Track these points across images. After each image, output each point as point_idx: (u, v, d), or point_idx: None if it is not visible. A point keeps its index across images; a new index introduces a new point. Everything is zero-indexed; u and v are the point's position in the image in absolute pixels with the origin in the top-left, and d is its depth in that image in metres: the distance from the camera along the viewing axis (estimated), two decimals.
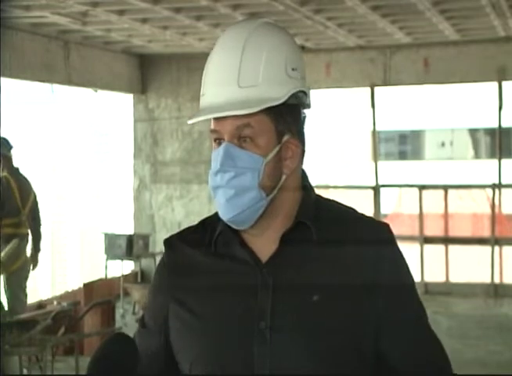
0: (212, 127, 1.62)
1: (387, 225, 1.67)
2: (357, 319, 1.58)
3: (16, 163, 7.67)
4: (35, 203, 7.77)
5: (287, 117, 1.61)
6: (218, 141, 1.62)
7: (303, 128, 1.66)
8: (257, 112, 1.57)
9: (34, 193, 7.80)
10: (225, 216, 1.61)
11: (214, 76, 1.62)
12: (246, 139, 1.59)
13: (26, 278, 7.67)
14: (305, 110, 1.67)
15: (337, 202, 1.72)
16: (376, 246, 1.63)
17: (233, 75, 1.59)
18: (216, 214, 1.69)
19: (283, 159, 1.62)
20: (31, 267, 7.73)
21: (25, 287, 7.63)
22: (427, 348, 1.64)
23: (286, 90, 1.60)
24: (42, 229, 7.91)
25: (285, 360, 1.56)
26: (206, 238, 1.69)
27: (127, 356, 1.57)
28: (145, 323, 1.73)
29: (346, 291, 1.59)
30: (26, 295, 7.67)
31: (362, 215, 1.69)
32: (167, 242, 1.75)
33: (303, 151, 1.66)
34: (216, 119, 1.60)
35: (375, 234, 1.65)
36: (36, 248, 7.73)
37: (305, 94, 1.65)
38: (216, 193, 1.61)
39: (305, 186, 1.69)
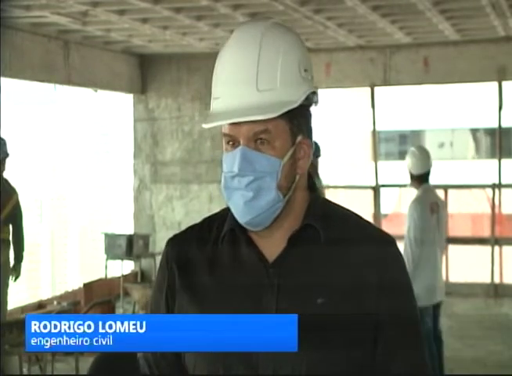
0: (226, 131, 1.60)
1: (391, 237, 1.69)
2: (361, 322, 1.59)
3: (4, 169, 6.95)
4: (17, 209, 7.06)
5: (301, 119, 1.62)
6: (232, 143, 1.60)
7: (311, 125, 1.67)
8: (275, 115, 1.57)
9: (17, 199, 7.07)
10: (242, 219, 1.60)
11: (230, 77, 1.59)
12: (264, 141, 1.58)
13: (7, 286, 6.98)
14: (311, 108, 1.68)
15: (341, 206, 1.73)
16: (379, 250, 1.64)
17: (251, 78, 1.57)
18: (221, 212, 1.70)
19: (297, 159, 1.62)
20: (13, 278, 7.05)
21: (6, 293, 6.95)
22: (409, 353, 1.65)
23: (301, 92, 1.60)
24: (25, 240, 7.14)
25: (289, 361, 1.57)
26: (212, 236, 1.69)
27: (127, 358, 1.58)
28: None
29: (350, 294, 1.60)
30: (6, 303, 6.98)
31: (366, 220, 1.71)
32: (171, 241, 1.74)
33: (312, 151, 1.67)
34: (231, 123, 1.58)
35: (379, 239, 1.67)
36: (18, 258, 7.03)
37: (315, 93, 1.66)
38: (232, 196, 1.60)
39: (313, 187, 1.70)
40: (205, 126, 1.61)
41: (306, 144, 1.64)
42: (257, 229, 1.62)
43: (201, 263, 1.67)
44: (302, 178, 1.65)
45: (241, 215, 1.60)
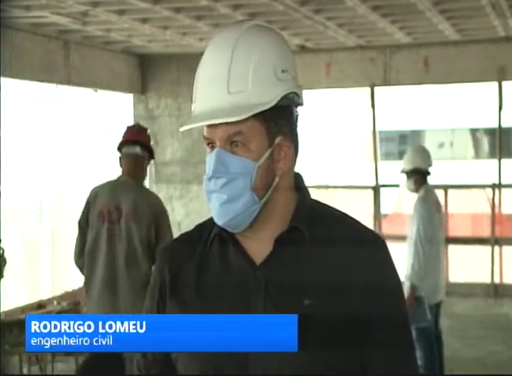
0: (204, 134, 1.64)
1: (381, 238, 1.68)
2: (348, 323, 1.59)
3: None
4: None
5: (279, 120, 1.62)
6: (211, 145, 1.63)
7: (296, 127, 1.67)
8: (248, 117, 1.57)
9: None
10: (219, 221, 1.62)
11: (204, 82, 1.65)
12: (238, 143, 1.59)
13: None
14: (299, 108, 1.67)
15: (331, 207, 1.73)
16: (367, 251, 1.63)
17: (223, 81, 1.60)
18: (210, 219, 1.70)
19: (276, 161, 1.62)
20: None
21: None
22: (398, 354, 1.64)
23: (276, 93, 1.60)
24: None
25: (277, 361, 1.57)
26: (201, 242, 1.70)
27: (112, 359, 1.59)
28: None
29: (338, 295, 1.60)
30: None
31: (356, 221, 1.70)
32: (163, 251, 1.77)
33: (296, 151, 1.66)
34: (208, 126, 1.62)
35: (367, 240, 1.66)
36: None
37: (297, 94, 1.65)
38: (210, 198, 1.62)
39: (300, 189, 1.70)
40: (181, 130, 1.66)
41: (286, 145, 1.63)
42: (236, 231, 1.64)
43: (191, 270, 1.69)
44: (284, 180, 1.65)
45: (218, 217, 1.62)
